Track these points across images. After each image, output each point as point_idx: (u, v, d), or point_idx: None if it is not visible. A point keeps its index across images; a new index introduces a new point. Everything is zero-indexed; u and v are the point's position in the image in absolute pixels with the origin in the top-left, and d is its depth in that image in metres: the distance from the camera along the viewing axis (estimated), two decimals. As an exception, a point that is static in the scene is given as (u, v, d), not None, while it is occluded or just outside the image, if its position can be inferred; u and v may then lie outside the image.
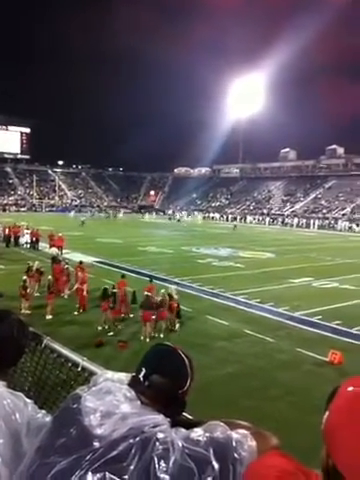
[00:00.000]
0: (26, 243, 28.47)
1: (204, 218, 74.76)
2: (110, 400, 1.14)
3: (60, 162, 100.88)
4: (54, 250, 23.20)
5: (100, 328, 12.14)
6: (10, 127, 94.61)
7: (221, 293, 16.88)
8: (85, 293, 14.06)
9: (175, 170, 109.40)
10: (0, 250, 25.45)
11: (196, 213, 79.54)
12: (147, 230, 45.42)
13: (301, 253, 29.75)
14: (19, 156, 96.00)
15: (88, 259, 22.72)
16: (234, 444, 1.06)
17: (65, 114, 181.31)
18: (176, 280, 18.58)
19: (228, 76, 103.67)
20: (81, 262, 17.22)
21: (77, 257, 21.31)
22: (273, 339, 11.73)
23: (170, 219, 69.00)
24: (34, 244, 27.60)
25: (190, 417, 1.29)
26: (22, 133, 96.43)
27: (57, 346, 1.96)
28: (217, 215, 76.06)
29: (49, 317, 12.91)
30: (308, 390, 8.48)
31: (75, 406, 1.16)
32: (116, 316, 12.63)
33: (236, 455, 1.04)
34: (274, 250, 30.45)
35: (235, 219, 68.23)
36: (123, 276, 14.90)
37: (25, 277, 14.19)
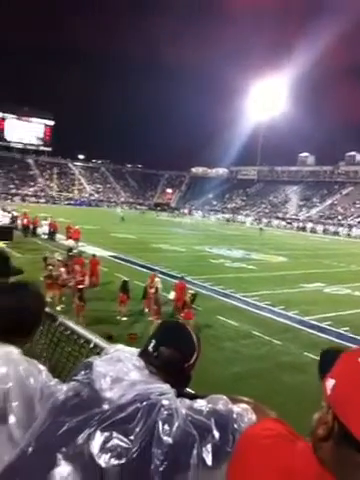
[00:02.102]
0: (44, 234, 28.89)
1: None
2: (120, 367, 1.21)
3: (81, 156, 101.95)
4: (71, 242, 23.48)
5: (124, 319, 12.42)
6: (34, 119, 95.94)
7: (232, 294, 16.88)
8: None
9: (192, 169, 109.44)
10: (18, 239, 25.80)
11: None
12: (164, 228, 45.61)
13: (314, 258, 29.49)
14: (41, 148, 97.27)
15: (103, 253, 22.95)
16: (235, 416, 1.13)
17: (89, 110, 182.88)
18: (188, 278, 18.65)
19: (250, 78, 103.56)
20: (94, 255, 17.43)
21: (92, 250, 21.53)
22: (281, 342, 11.71)
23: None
24: (52, 235, 28.02)
25: (193, 392, 1.36)
26: (46, 125, 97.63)
27: (71, 324, 2.05)
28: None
29: (59, 308, 13.07)
30: (312, 391, 8.45)
31: (87, 371, 1.24)
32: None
33: (236, 426, 1.11)
34: (287, 254, 30.26)
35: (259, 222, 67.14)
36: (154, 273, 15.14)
37: (50, 267, 14.27)
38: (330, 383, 0.82)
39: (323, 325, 13.49)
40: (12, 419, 1.38)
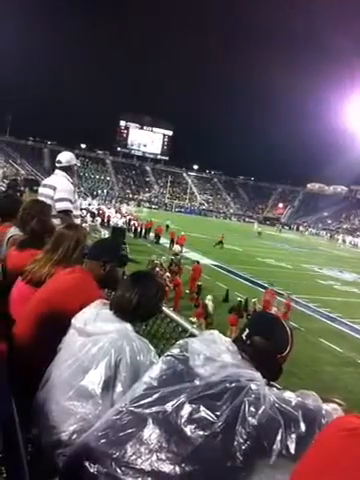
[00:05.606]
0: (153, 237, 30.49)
1: None
2: (214, 348, 1.27)
3: (195, 166, 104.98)
4: (177, 247, 24.27)
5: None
6: (155, 129, 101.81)
7: (338, 318, 15.86)
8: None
9: (308, 185, 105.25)
10: (129, 240, 27.48)
11: None
12: (270, 242, 44.71)
13: None
14: (159, 157, 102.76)
15: (206, 261, 23.31)
16: (323, 413, 1.12)
17: (205, 122, 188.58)
18: (293, 297, 17.97)
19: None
20: (198, 262, 17.75)
21: (195, 257, 22.01)
22: (391, 377, 10.65)
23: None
24: (157, 239, 29.44)
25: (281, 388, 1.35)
26: (164, 135, 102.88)
27: (170, 312, 2.16)
28: None
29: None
30: None
31: (183, 349, 1.32)
32: None
33: (324, 422, 1.09)
34: None
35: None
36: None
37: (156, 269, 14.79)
38: None
39: None
40: (119, 388, 1.50)
